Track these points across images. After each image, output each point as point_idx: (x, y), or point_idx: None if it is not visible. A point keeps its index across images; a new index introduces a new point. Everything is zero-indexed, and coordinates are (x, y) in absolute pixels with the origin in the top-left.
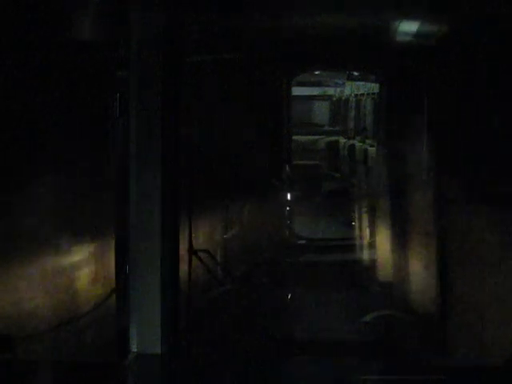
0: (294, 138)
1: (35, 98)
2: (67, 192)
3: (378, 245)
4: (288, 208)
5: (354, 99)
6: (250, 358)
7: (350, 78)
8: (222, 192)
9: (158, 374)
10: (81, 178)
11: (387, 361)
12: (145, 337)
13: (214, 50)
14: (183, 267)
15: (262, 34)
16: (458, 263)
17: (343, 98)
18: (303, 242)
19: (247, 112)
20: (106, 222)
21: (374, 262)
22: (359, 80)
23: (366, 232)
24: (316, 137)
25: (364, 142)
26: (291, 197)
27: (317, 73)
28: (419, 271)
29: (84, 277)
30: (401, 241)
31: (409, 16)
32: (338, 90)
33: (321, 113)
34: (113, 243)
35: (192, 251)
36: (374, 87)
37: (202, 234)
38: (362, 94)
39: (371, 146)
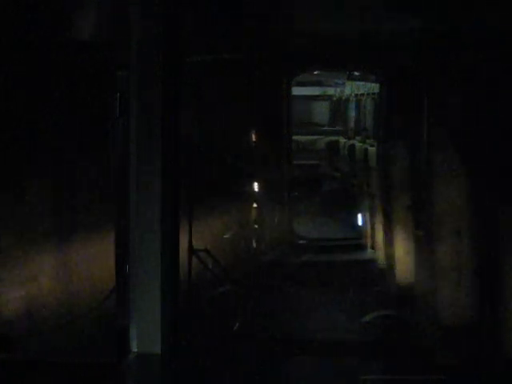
0: (294, 137)
1: (35, 98)
2: (67, 192)
3: (378, 245)
4: (288, 208)
5: (354, 99)
6: (251, 357)
7: (350, 78)
8: (221, 192)
9: (157, 374)
10: (81, 178)
11: (387, 361)
12: (145, 337)
13: (213, 50)
14: (183, 267)
15: (261, 33)
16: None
17: (343, 98)
18: (303, 241)
19: (247, 112)
20: (106, 222)
21: (374, 261)
22: (359, 80)
23: (367, 232)
24: (316, 137)
25: (364, 142)
26: (291, 197)
27: (317, 73)
28: (419, 270)
29: (83, 276)
30: (401, 240)
31: (408, 16)
32: (338, 89)
33: (321, 113)
34: (112, 242)
35: (192, 251)
36: (374, 87)
37: (202, 234)
38: (362, 94)
39: (371, 145)
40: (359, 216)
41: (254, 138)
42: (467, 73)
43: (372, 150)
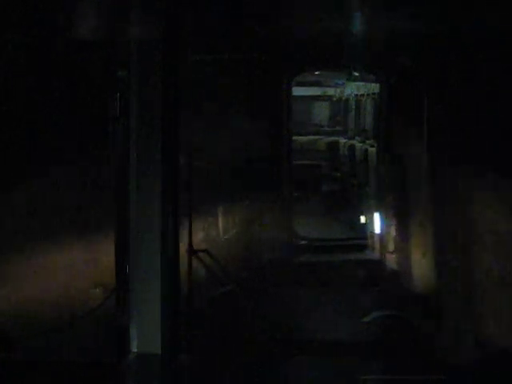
0: (294, 138)
1: (35, 98)
2: (66, 192)
3: (379, 245)
4: (288, 208)
5: (354, 99)
6: (251, 358)
7: (350, 78)
8: (221, 192)
9: (157, 374)
10: (80, 178)
11: (387, 361)
12: (145, 337)
13: (213, 50)
14: (183, 267)
15: (262, 34)
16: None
17: (343, 98)
18: (304, 242)
19: (247, 112)
20: (106, 221)
21: (374, 261)
22: (359, 80)
23: (367, 232)
24: (316, 137)
25: (364, 142)
26: (291, 197)
27: (317, 73)
28: (419, 268)
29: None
30: (403, 240)
31: (408, 16)
32: (338, 90)
33: (321, 113)
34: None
35: (192, 251)
36: (374, 87)
37: (202, 234)
38: (362, 95)
39: (371, 146)
40: (359, 216)
41: (253, 138)
42: (467, 73)
43: (372, 150)
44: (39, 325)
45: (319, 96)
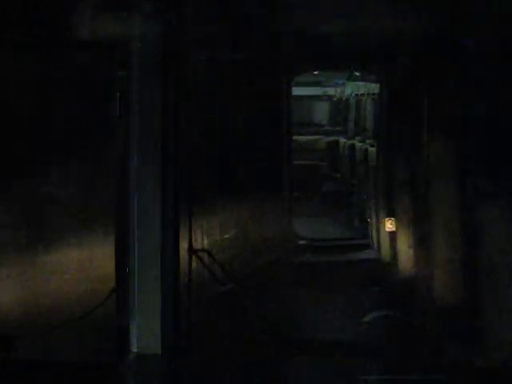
0: (294, 137)
1: (34, 98)
2: (66, 191)
3: (379, 244)
4: (288, 208)
5: (354, 99)
6: (251, 358)
7: (350, 78)
8: (222, 192)
9: (157, 374)
10: (80, 178)
11: (387, 361)
12: (145, 337)
13: (213, 50)
14: (183, 267)
15: (262, 34)
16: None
17: (343, 98)
18: (304, 242)
19: (247, 112)
20: (106, 221)
21: (374, 261)
22: (359, 80)
23: (368, 232)
24: (316, 137)
25: (364, 142)
26: (291, 197)
27: (317, 73)
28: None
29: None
30: (403, 240)
31: (408, 17)
32: (338, 90)
33: (321, 113)
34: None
35: (192, 251)
36: (374, 87)
37: (202, 234)
38: (362, 94)
39: (371, 145)
40: (359, 216)
41: (253, 138)
42: (466, 73)
43: (372, 150)
44: (40, 325)
45: (319, 96)
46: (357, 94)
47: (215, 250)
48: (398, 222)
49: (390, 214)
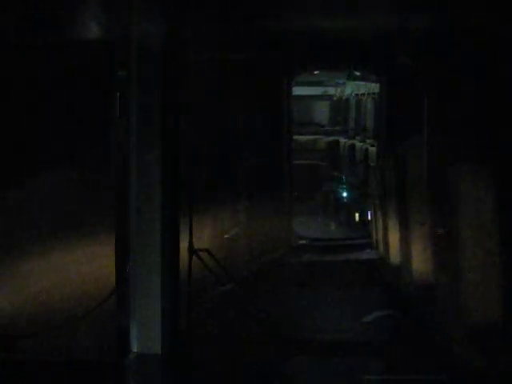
0: (295, 137)
1: (34, 98)
2: (66, 191)
3: (380, 244)
4: (288, 208)
5: (354, 99)
6: (251, 358)
7: (351, 78)
8: (221, 192)
9: (158, 374)
10: (80, 178)
11: (387, 361)
12: (145, 337)
13: (214, 50)
14: (183, 267)
15: (262, 34)
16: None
17: (343, 98)
18: (303, 241)
19: (247, 112)
20: (106, 221)
21: (374, 261)
22: (359, 80)
23: (367, 231)
24: (316, 136)
25: (364, 142)
26: (292, 196)
27: (317, 73)
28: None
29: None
30: (404, 240)
31: (408, 16)
32: (339, 89)
33: (321, 112)
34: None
35: (192, 251)
36: (374, 87)
37: (202, 234)
38: (363, 94)
39: (371, 145)
40: (359, 216)
41: (254, 137)
42: (466, 73)
43: (372, 149)
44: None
45: (319, 96)
46: (357, 94)
47: (215, 250)
48: (396, 222)
49: (389, 214)
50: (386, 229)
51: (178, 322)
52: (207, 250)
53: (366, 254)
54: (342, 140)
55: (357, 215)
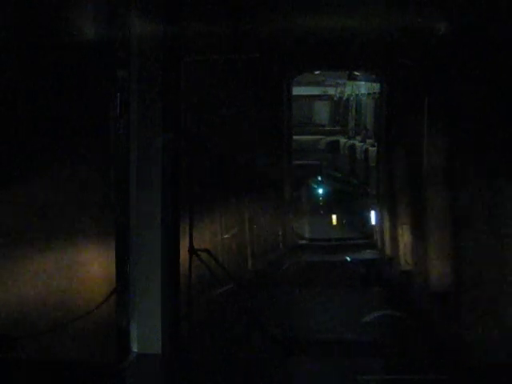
0: (295, 137)
1: (34, 98)
2: (66, 192)
3: (380, 244)
4: (288, 207)
5: (354, 99)
6: (251, 357)
7: (351, 78)
8: (222, 192)
9: (158, 373)
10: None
11: (387, 361)
12: (145, 337)
13: (214, 50)
14: (183, 267)
15: (262, 34)
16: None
17: (344, 98)
18: (304, 241)
19: (248, 112)
20: (106, 221)
21: (374, 261)
22: (360, 80)
23: (368, 231)
24: (316, 136)
25: (365, 142)
26: (292, 196)
27: (317, 73)
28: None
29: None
30: (405, 240)
31: (408, 17)
32: (339, 89)
33: (321, 112)
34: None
35: (192, 251)
36: (375, 87)
37: (202, 234)
38: (363, 94)
39: (372, 145)
40: (359, 216)
41: (254, 137)
42: (466, 73)
43: (372, 149)
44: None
45: (320, 96)
46: (357, 94)
47: (215, 250)
48: (397, 221)
49: (389, 213)
50: (388, 229)
51: (178, 322)
52: (207, 250)
53: (367, 254)
54: (343, 140)
55: (357, 215)
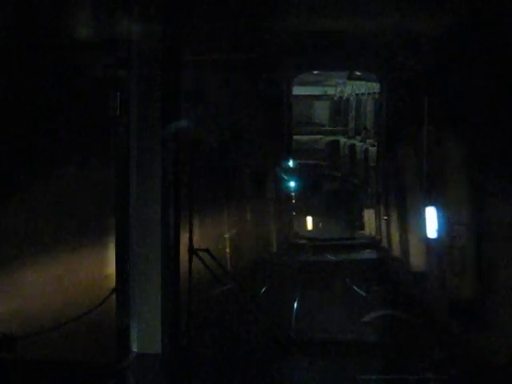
0: (295, 137)
1: (34, 98)
2: (66, 192)
3: (381, 244)
4: (289, 207)
5: (354, 99)
6: (250, 357)
7: (351, 78)
8: (221, 191)
9: (158, 374)
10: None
11: (387, 361)
12: (145, 337)
13: (214, 50)
14: (183, 267)
15: (262, 34)
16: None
17: (344, 98)
18: (304, 241)
19: (248, 112)
20: (106, 222)
21: (374, 261)
22: (359, 80)
23: (368, 231)
24: (316, 136)
25: (365, 142)
26: (292, 196)
27: (317, 73)
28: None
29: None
30: (405, 240)
31: (408, 17)
32: (339, 89)
33: (321, 112)
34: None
35: (192, 251)
36: (375, 86)
37: (202, 234)
38: (363, 94)
39: (372, 145)
40: (359, 215)
41: (254, 137)
42: (466, 73)
43: (372, 149)
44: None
45: (319, 95)
46: (357, 94)
47: (214, 250)
48: (396, 222)
49: (389, 213)
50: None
51: (178, 322)
52: (207, 250)
53: (368, 254)
54: (343, 140)
55: (357, 215)
